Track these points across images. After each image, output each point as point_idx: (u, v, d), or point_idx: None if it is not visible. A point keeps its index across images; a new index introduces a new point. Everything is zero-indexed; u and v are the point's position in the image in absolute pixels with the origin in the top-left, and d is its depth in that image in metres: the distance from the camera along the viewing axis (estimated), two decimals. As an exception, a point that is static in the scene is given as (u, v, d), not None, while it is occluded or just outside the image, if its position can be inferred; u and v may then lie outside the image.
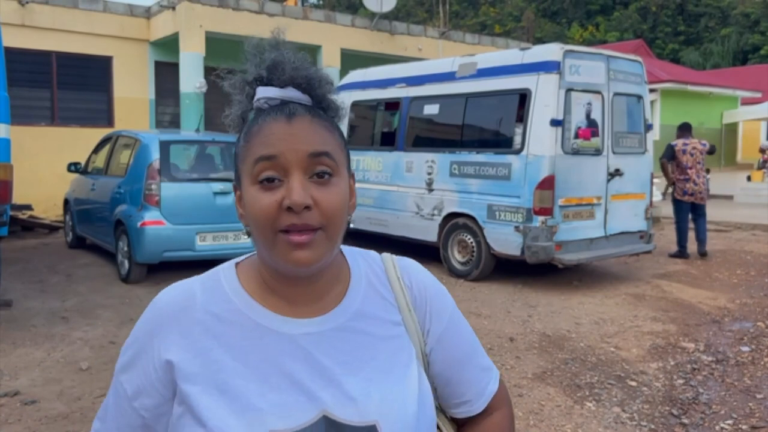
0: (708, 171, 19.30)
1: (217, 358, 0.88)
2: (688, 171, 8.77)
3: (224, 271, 0.97)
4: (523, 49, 7.38)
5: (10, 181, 5.11)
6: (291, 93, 0.90)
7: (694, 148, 8.78)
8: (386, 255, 1.06)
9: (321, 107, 0.93)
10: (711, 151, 9.01)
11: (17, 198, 7.71)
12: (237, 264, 0.98)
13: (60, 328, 5.38)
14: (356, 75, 9.56)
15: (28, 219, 10.69)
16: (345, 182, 0.91)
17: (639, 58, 7.79)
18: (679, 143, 8.85)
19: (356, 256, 1.02)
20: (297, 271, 0.88)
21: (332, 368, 0.89)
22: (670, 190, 9.27)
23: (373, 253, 1.06)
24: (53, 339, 5.11)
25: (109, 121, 12.60)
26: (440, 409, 1.07)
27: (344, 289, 0.97)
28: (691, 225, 8.97)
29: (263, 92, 0.90)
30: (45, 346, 4.93)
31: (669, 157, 8.84)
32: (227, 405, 0.85)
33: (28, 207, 10.71)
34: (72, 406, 3.87)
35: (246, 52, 0.93)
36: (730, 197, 17.57)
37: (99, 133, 9.45)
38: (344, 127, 9.31)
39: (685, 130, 9.08)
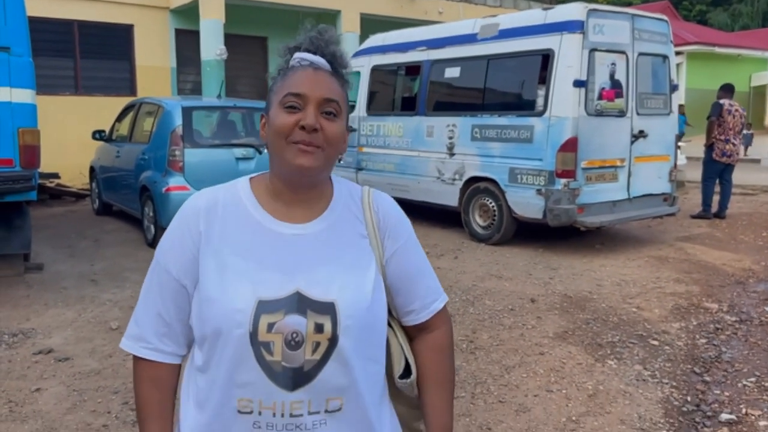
0: (750, 126, 18.92)
1: (227, 243, 1.19)
2: (729, 132, 8.71)
3: (241, 182, 1.28)
4: (546, 8, 7.25)
5: (38, 146, 5.20)
6: (318, 59, 1.22)
7: (736, 110, 8.77)
8: (365, 187, 1.34)
9: (337, 74, 1.24)
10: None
11: (45, 167, 7.82)
12: (251, 178, 1.29)
13: (90, 290, 5.52)
14: (376, 39, 9.48)
15: (56, 187, 10.87)
16: (344, 126, 1.22)
17: (664, 17, 7.64)
18: (726, 103, 8.77)
19: (341, 183, 1.31)
20: (300, 173, 1.17)
21: (309, 260, 1.19)
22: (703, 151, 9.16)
23: (355, 184, 1.35)
24: (83, 300, 5.24)
25: (132, 90, 12.67)
26: (394, 318, 1.35)
27: (327, 204, 1.26)
28: (716, 189, 8.89)
29: (299, 55, 1.23)
30: (76, 307, 5.06)
31: (717, 115, 8.74)
32: (230, 276, 1.16)
33: (56, 175, 10.86)
34: (104, 363, 3.99)
35: (299, 28, 1.26)
36: (757, 161, 17.28)
37: (122, 102, 9.51)
38: (366, 90, 9.27)
39: (727, 90, 9.01)
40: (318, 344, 1.15)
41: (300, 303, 1.15)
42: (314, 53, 1.22)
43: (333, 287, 1.17)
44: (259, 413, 1.15)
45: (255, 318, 1.13)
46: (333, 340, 1.15)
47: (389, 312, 1.30)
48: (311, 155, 1.16)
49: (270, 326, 1.13)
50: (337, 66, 1.24)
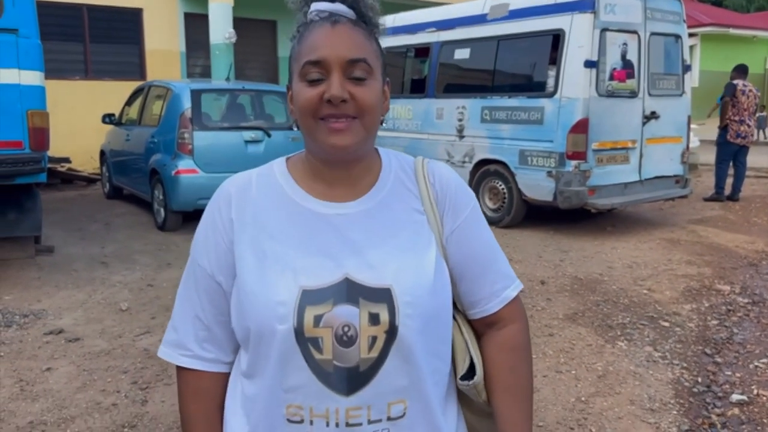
0: (764, 108, 18.72)
1: (264, 228, 1.06)
2: (744, 113, 8.62)
3: (277, 163, 1.14)
4: (557, -12, 7.15)
5: (47, 128, 5.20)
6: (338, 7, 1.03)
7: (750, 90, 8.69)
8: (419, 157, 1.17)
9: (363, 21, 1.05)
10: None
11: (55, 151, 7.85)
12: (288, 158, 1.15)
13: (100, 272, 5.54)
14: (385, 21, 9.37)
15: (66, 172, 10.91)
16: (379, 85, 1.04)
17: (678, -4, 7.51)
18: (740, 83, 8.68)
19: (390, 154, 1.15)
20: (335, 153, 1.02)
21: (358, 242, 1.04)
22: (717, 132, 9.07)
23: (407, 155, 1.18)
24: (94, 282, 5.27)
25: (141, 74, 12.65)
26: (460, 311, 1.17)
27: (374, 180, 1.10)
28: (729, 172, 8.81)
29: (315, 6, 1.05)
30: (86, 289, 5.09)
31: (731, 96, 8.65)
32: (269, 265, 1.02)
33: (67, 160, 10.90)
34: (113, 343, 4.01)
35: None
36: (772, 144, 17.06)
37: (131, 86, 9.51)
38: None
39: (741, 71, 8.93)
40: (374, 339, 0.99)
41: (350, 290, 1.00)
42: (332, 1, 1.04)
43: (388, 271, 1.01)
44: (311, 422, 1.00)
45: (299, 310, 0.98)
46: (391, 333, 1.00)
47: (453, 303, 1.13)
48: (346, 132, 0.99)
49: (317, 319, 0.98)
50: (363, 11, 1.05)
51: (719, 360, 3.86)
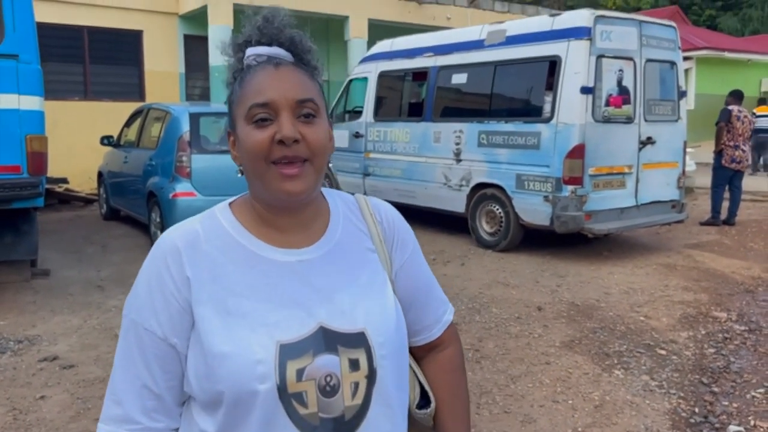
0: None
1: (225, 285, 1.00)
2: (739, 138, 8.69)
3: (220, 210, 1.08)
4: (553, 15, 7.24)
5: (45, 153, 5.22)
6: (276, 50, 1.03)
7: (745, 116, 8.77)
8: (358, 195, 1.19)
9: (303, 63, 1.05)
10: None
11: (53, 172, 7.89)
12: (230, 204, 1.10)
13: (96, 297, 5.53)
14: (383, 45, 9.48)
15: (64, 192, 10.93)
16: (326, 125, 1.03)
17: (672, 23, 7.61)
18: (735, 109, 8.76)
19: (333, 194, 1.15)
20: (288, 200, 1.00)
21: (324, 288, 1.03)
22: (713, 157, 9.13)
23: (345, 193, 1.19)
24: (89, 307, 5.25)
25: (141, 95, 12.73)
26: None
27: (326, 222, 1.09)
28: (725, 196, 8.85)
29: (252, 51, 1.03)
30: (82, 314, 5.07)
31: (726, 121, 8.72)
32: (237, 323, 0.97)
33: (64, 180, 10.93)
34: (108, 371, 3.95)
35: (244, 19, 1.07)
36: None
37: (131, 107, 9.57)
38: (373, 96, 9.27)
39: (736, 97, 9.01)
40: (357, 385, 0.99)
41: (327, 339, 0.98)
42: (269, 45, 1.03)
43: (358, 315, 1.02)
44: None
45: (281, 367, 0.94)
46: (371, 376, 1.00)
47: None
48: (299, 178, 0.98)
49: (300, 373, 0.95)
50: (300, 53, 1.04)
51: (716, 389, 3.86)
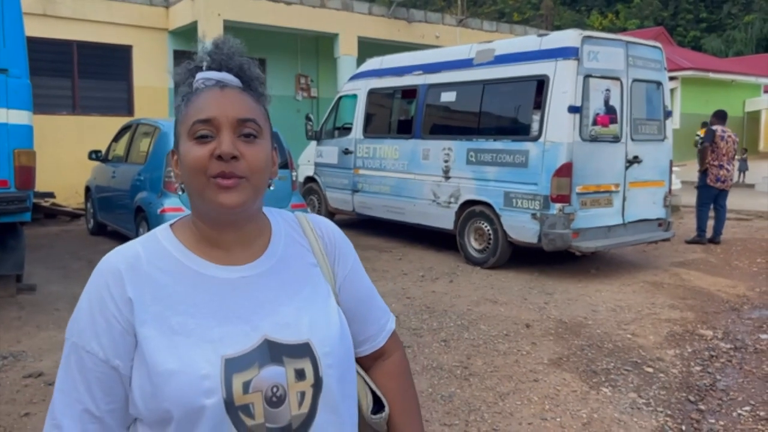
0: (745, 150, 19.17)
1: (167, 305, 1.01)
2: (723, 158, 8.81)
3: (160, 231, 1.10)
4: (541, 35, 7.33)
5: (33, 167, 5.20)
6: (224, 76, 1.06)
7: (729, 136, 8.90)
8: (298, 213, 1.24)
9: (250, 89, 1.09)
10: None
11: (40, 186, 7.83)
12: (171, 225, 1.11)
13: (82, 312, 5.47)
14: (373, 63, 9.55)
15: (50, 206, 10.85)
16: (269, 146, 1.07)
17: (658, 44, 7.72)
18: (718, 129, 8.89)
19: (274, 213, 1.19)
20: (224, 212, 1.02)
21: (267, 302, 1.06)
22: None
23: (286, 211, 1.23)
24: (76, 323, 5.19)
25: (129, 110, 12.72)
26: None
27: (268, 239, 1.12)
28: (710, 214, 8.95)
29: (202, 75, 1.07)
30: (68, 330, 5.01)
31: (710, 141, 8.84)
32: (181, 341, 0.98)
33: (51, 195, 10.85)
34: (94, 387, 3.94)
35: (197, 48, 1.12)
36: (751, 186, 17.36)
37: (119, 122, 9.55)
38: (362, 113, 9.32)
39: (720, 117, 9.15)
40: (303, 394, 1.02)
41: (272, 351, 1.01)
42: (219, 71, 1.07)
43: (303, 326, 1.05)
44: None
45: (227, 380, 0.97)
46: (317, 385, 1.03)
47: None
48: (235, 190, 1.00)
49: (246, 386, 0.98)
50: (248, 80, 1.09)
51: (703, 407, 3.88)
